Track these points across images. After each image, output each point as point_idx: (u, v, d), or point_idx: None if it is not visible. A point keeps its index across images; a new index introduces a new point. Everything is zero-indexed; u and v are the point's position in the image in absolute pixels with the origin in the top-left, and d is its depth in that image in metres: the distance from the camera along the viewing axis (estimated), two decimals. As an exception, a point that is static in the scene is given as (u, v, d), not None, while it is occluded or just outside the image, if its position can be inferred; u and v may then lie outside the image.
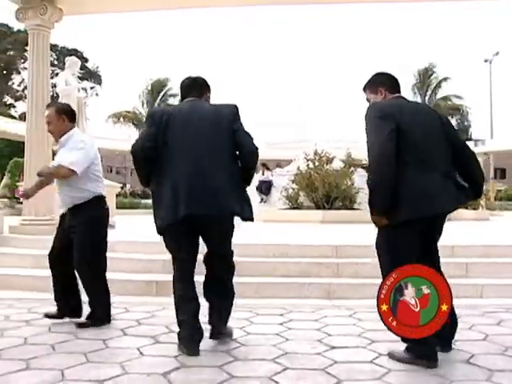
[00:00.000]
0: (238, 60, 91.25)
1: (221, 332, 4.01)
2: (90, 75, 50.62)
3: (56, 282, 4.82)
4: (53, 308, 4.81)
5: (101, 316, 4.62)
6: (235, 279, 5.84)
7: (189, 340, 3.72)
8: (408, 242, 3.54)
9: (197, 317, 3.82)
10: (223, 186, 3.78)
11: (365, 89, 3.96)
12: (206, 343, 3.94)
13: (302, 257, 6.65)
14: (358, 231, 10.32)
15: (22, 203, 14.82)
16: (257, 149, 3.97)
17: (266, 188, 16.61)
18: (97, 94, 51.97)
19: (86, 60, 49.49)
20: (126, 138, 45.61)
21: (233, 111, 3.98)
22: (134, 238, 7.97)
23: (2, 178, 25.07)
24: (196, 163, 3.77)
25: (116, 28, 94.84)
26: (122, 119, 45.27)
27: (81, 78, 19.72)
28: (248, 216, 3.97)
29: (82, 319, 4.67)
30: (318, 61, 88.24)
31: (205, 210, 3.74)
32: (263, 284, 5.98)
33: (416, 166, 3.48)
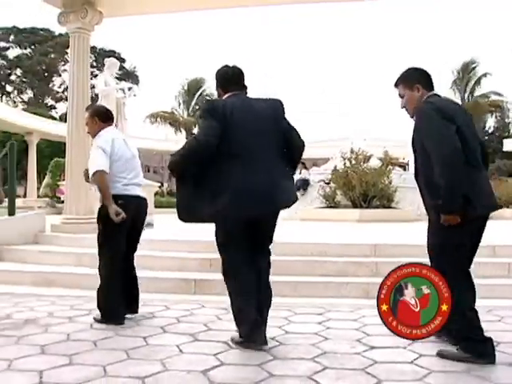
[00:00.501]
0: (271, 59, 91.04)
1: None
2: (127, 76, 51.22)
3: None
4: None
5: (106, 315, 4.65)
6: (274, 278, 5.87)
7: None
8: (469, 240, 3.62)
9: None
10: (281, 182, 3.95)
11: (397, 84, 3.87)
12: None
13: (340, 256, 6.61)
14: (395, 230, 10.26)
15: (62, 202, 15.10)
16: (303, 143, 4.13)
17: (302, 185, 16.65)
18: (134, 95, 52.54)
19: (124, 61, 50.08)
20: (163, 138, 46.07)
21: (281, 107, 4.10)
22: (173, 237, 8.04)
23: (44, 178, 25.56)
24: (259, 160, 3.85)
25: (152, 28, 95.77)
26: (159, 119, 45.66)
27: (118, 79, 19.99)
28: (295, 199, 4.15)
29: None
30: (352, 59, 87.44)
31: (271, 207, 3.93)
32: (301, 283, 5.96)
33: (471, 165, 3.52)
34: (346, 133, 20.85)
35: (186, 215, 3.96)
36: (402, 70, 3.89)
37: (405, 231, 9.51)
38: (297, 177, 17.08)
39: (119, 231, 4.68)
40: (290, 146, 4.05)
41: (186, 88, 47.65)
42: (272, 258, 6.61)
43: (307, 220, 13.72)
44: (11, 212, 8.73)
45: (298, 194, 16.89)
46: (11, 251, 7.87)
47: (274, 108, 4.06)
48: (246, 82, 4.19)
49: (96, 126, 4.97)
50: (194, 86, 46.75)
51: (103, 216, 4.67)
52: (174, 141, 44.32)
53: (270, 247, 4.21)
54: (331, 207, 15.10)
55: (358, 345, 3.94)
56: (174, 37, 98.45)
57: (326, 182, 15.96)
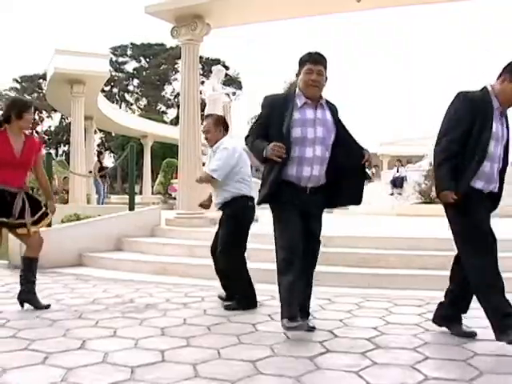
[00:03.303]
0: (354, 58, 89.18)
1: None
2: (231, 82, 52.20)
3: (216, 270, 5.10)
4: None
5: (243, 303, 4.78)
6: (372, 270, 5.78)
7: None
8: None
9: None
10: None
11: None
12: (349, 331, 3.93)
13: (437, 250, 6.39)
14: (494, 225, 9.76)
15: (174, 199, 15.56)
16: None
17: (398, 182, 16.49)
18: (239, 99, 53.47)
19: (228, 68, 51.07)
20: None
21: None
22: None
23: (157, 177, 26.43)
24: None
25: (250, 33, 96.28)
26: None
27: (224, 85, 20.37)
28: None
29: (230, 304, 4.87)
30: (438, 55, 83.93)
31: None
32: (400, 276, 5.81)
33: None
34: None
35: None
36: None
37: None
38: (394, 174, 16.91)
39: (247, 230, 4.95)
40: None
41: (285, 90, 47.83)
42: (369, 251, 6.53)
43: (403, 215, 13.39)
44: (131, 208, 9.12)
45: (395, 190, 16.69)
46: (131, 243, 8.23)
47: None
48: None
49: (220, 135, 5.09)
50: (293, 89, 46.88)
51: (235, 216, 4.88)
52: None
53: None
54: (427, 203, 14.65)
55: (458, 336, 3.79)
56: (273, 40, 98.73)
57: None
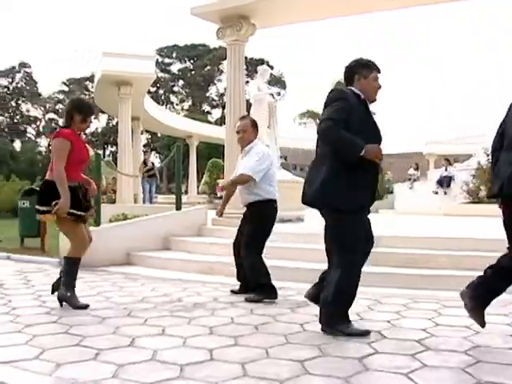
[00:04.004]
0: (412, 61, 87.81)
1: None
2: (275, 82, 52.29)
3: (237, 265, 5.51)
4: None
5: (263, 293, 5.10)
6: (419, 271, 5.68)
7: None
8: None
9: None
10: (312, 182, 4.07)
11: None
12: (397, 332, 3.88)
13: (486, 250, 6.22)
14: None
15: (220, 198, 15.65)
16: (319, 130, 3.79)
17: (445, 181, 16.22)
18: (283, 99, 53.54)
19: (272, 68, 51.21)
20: (310, 137, 46.30)
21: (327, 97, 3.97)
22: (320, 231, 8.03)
23: (202, 177, 26.69)
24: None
25: (293, 33, 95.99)
26: (305, 119, 46.02)
27: (268, 84, 20.40)
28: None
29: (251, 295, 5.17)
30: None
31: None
32: (449, 277, 5.70)
33: None
34: (484, 129, 19.70)
35: None
36: None
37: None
38: (442, 173, 16.65)
39: (269, 229, 5.30)
40: None
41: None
42: (418, 251, 6.42)
43: (450, 215, 13.14)
44: (178, 207, 9.22)
45: (441, 190, 16.41)
46: (178, 242, 8.32)
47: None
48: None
49: (253, 137, 5.40)
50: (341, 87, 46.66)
51: (260, 215, 5.26)
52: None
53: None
54: (475, 203, 14.34)
55: (511, 340, 3.70)
56: (316, 40, 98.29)
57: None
